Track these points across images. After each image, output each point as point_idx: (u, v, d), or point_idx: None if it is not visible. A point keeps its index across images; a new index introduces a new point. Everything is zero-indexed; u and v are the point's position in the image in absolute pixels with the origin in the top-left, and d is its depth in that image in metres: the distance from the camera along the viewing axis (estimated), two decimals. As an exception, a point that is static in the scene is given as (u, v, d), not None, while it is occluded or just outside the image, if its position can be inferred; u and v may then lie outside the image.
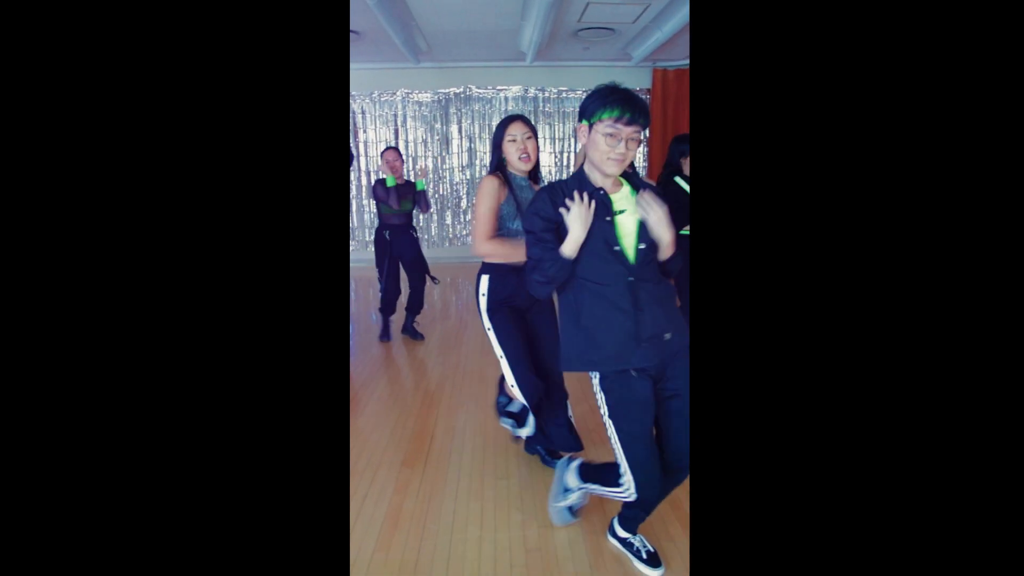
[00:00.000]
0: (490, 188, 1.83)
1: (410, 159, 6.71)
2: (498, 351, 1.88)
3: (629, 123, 1.27)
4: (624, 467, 1.41)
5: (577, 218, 1.29)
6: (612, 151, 1.29)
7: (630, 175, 1.45)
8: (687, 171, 2.79)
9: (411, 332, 3.80)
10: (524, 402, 1.90)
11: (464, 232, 6.93)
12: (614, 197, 1.38)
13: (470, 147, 6.72)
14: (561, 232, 1.34)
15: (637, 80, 6.62)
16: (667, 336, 1.36)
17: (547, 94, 6.64)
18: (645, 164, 6.82)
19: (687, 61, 6.38)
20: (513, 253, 1.79)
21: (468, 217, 6.89)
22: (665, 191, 3.23)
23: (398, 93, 6.57)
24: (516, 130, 1.86)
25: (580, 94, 6.65)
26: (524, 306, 1.92)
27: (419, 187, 3.62)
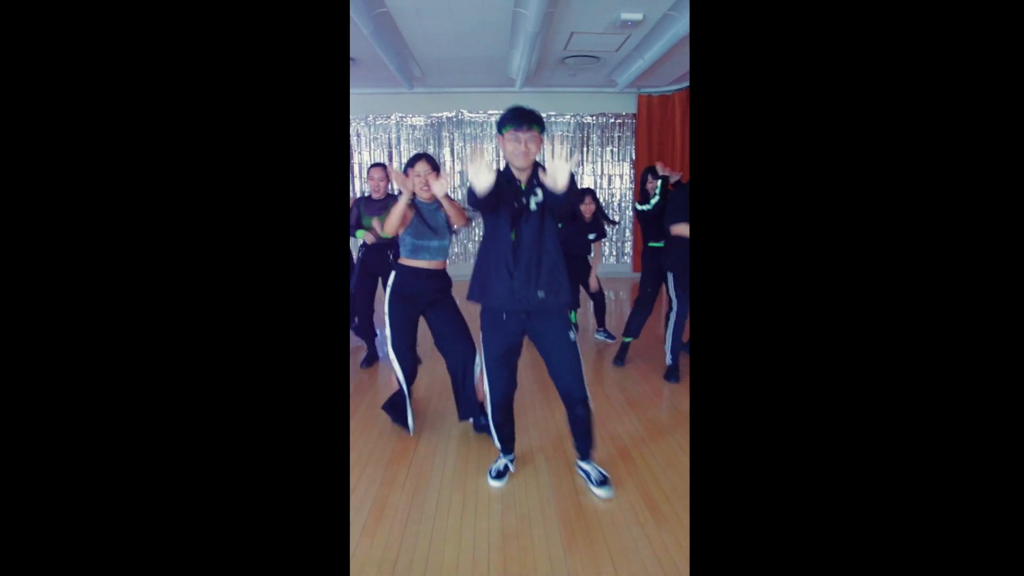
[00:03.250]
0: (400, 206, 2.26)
1: (404, 180, 6.88)
2: (386, 331, 2.40)
3: (526, 130, 1.79)
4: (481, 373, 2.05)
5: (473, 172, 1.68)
6: (516, 150, 1.79)
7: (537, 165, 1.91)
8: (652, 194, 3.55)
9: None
10: (399, 374, 2.43)
11: (455, 251, 7.09)
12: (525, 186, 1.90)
13: (462, 169, 6.93)
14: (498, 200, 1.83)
15: (623, 105, 6.88)
16: (540, 294, 1.85)
17: (537, 118, 6.86)
18: (631, 186, 7.04)
19: (670, 87, 6.64)
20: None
21: (460, 236, 7.05)
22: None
23: (392, 117, 6.79)
24: (420, 167, 2.26)
25: (568, 118, 6.90)
26: (424, 302, 2.41)
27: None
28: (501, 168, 1.87)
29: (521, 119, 1.78)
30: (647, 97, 6.80)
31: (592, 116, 6.94)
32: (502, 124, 1.81)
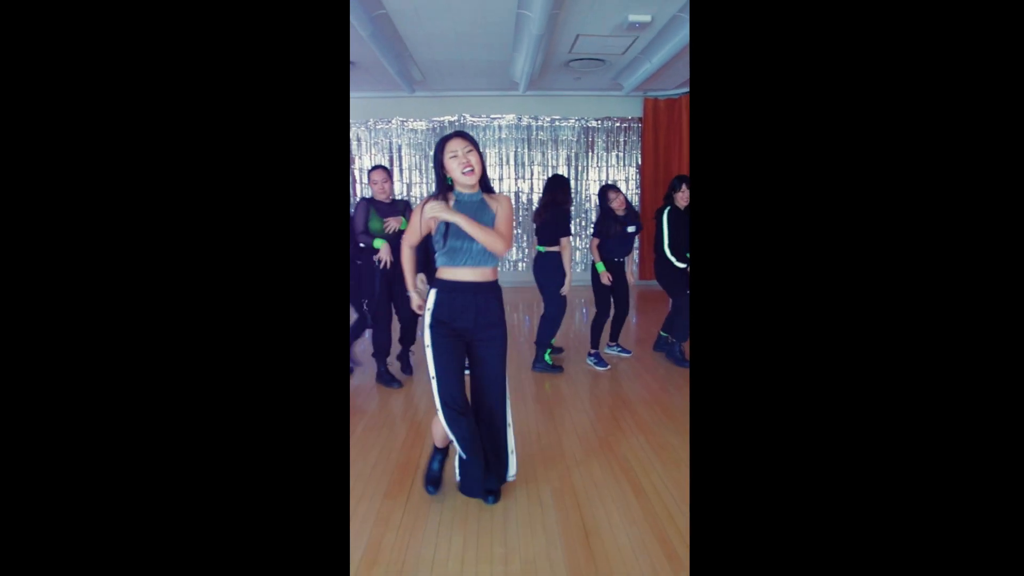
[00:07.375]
0: (426, 206, 1.85)
1: (404, 186, 6.76)
2: (431, 370, 1.90)
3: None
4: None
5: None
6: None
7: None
8: (680, 204, 3.50)
9: (405, 362, 3.56)
10: (449, 433, 1.93)
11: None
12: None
13: (464, 174, 6.78)
14: None
15: (629, 109, 6.72)
16: None
17: (540, 122, 6.74)
18: (638, 191, 6.89)
19: (677, 91, 6.49)
20: (410, 271, 2.07)
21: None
22: (657, 220, 3.58)
23: (393, 121, 6.65)
24: (456, 145, 1.85)
25: (572, 123, 6.75)
26: (465, 329, 1.90)
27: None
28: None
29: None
30: (653, 101, 6.64)
31: (597, 120, 6.79)
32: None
